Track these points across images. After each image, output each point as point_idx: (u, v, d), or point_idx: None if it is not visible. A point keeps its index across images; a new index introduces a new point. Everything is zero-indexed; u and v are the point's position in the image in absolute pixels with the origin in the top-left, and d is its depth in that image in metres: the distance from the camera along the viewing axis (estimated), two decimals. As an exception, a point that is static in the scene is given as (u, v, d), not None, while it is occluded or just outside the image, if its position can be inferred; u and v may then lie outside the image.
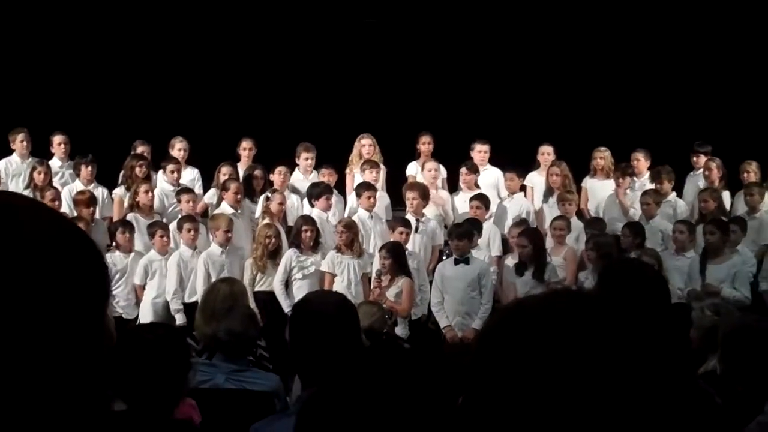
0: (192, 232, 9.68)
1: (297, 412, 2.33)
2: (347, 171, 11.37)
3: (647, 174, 11.08)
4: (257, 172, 10.93)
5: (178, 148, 11.44)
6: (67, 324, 1.07)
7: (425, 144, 11.43)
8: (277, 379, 5.68)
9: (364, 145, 11.29)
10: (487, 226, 10.21)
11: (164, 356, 3.52)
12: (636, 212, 10.61)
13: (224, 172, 10.87)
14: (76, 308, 1.08)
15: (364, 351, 2.24)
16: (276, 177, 10.89)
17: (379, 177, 10.93)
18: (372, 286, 9.08)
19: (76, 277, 1.09)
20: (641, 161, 11.20)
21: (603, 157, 11.25)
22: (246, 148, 11.54)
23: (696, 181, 11.34)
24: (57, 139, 11.35)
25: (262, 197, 10.50)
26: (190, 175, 11.38)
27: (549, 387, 1.10)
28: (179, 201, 10.41)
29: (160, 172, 11.12)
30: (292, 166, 11.27)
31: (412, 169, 11.40)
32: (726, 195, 10.74)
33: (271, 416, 4.10)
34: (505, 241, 10.31)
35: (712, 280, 9.24)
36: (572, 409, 1.10)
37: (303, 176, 11.21)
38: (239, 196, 10.35)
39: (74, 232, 1.14)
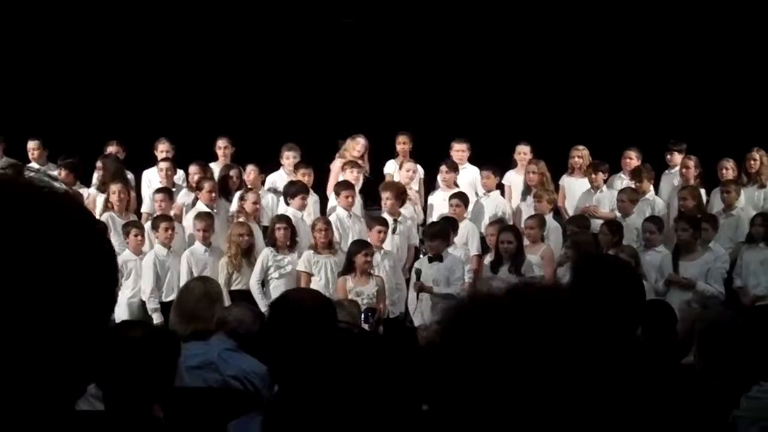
0: (169, 231, 9.67)
1: (265, 408, 2.32)
2: (332, 166, 11.31)
3: None
4: (233, 172, 10.93)
5: (160, 149, 11.41)
6: (72, 315, 1.05)
7: (403, 144, 11.43)
8: (265, 367, 5.69)
9: (359, 144, 11.27)
10: (465, 225, 10.22)
11: (154, 355, 3.50)
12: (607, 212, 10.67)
13: (192, 172, 10.86)
14: (84, 297, 1.06)
15: (338, 348, 2.22)
16: (247, 176, 10.90)
17: (359, 178, 10.92)
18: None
19: (85, 266, 1.06)
20: (633, 159, 11.24)
21: (581, 155, 11.29)
22: (222, 147, 11.51)
23: (671, 179, 11.41)
24: (30, 144, 11.49)
25: (236, 196, 10.48)
26: (178, 176, 11.33)
27: (513, 383, 1.08)
28: (155, 200, 10.40)
29: (153, 170, 11.12)
30: (275, 165, 11.29)
31: (390, 168, 11.41)
32: (702, 193, 10.80)
33: (247, 414, 4.09)
34: (483, 239, 10.34)
35: (685, 276, 9.31)
36: (540, 403, 1.08)
37: (287, 176, 11.17)
38: (214, 195, 10.33)
39: (83, 216, 1.11)
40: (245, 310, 5.65)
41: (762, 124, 12.19)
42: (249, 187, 10.71)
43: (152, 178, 11.21)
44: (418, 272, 8.97)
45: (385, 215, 10.12)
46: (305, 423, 2.05)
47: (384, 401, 2.08)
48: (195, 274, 9.17)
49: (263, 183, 11.20)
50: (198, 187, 10.45)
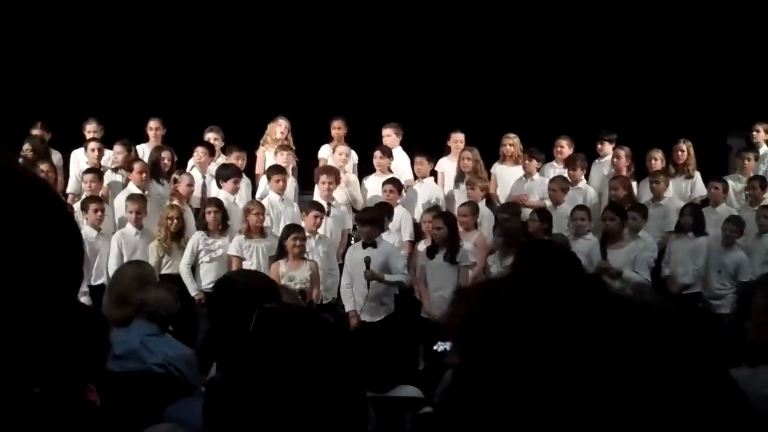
0: (98, 213, 9.51)
1: (207, 392, 2.28)
2: (258, 152, 11.24)
3: None
4: (165, 153, 10.76)
5: (89, 129, 11.20)
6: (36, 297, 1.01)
7: (338, 129, 11.38)
8: (191, 351, 5.66)
9: (280, 125, 11.19)
10: (398, 211, 10.23)
11: (84, 336, 3.43)
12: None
13: (118, 151, 10.69)
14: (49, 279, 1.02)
15: (283, 329, 2.19)
16: (196, 158, 10.79)
17: (290, 161, 10.85)
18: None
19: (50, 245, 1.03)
20: (564, 148, 11.34)
21: (512, 143, 11.36)
22: (153, 128, 11.34)
23: (601, 169, 11.54)
24: None
25: (172, 178, 10.36)
26: (105, 156, 11.13)
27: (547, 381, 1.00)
28: (84, 181, 10.20)
29: (81, 151, 10.91)
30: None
31: (324, 153, 11.35)
32: (633, 183, 10.94)
33: (185, 398, 4.04)
34: (416, 226, 10.36)
35: (613, 264, 9.44)
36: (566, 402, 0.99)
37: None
38: (144, 176, 10.18)
39: (50, 198, 1.07)
40: (163, 292, 5.61)
41: (688, 115, 12.44)
42: (182, 170, 10.57)
43: (80, 159, 11.01)
44: (368, 260, 8.95)
45: (319, 199, 10.07)
46: (248, 405, 2.02)
47: (329, 383, 2.05)
48: (125, 257, 9.09)
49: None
50: (129, 168, 10.27)
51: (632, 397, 0.97)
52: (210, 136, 11.16)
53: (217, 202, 9.67)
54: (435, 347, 7.19)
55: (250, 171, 11.12)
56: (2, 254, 0.98)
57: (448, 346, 6.86)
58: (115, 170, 10.60)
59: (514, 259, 3.88)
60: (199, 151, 10.83)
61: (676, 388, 0.98)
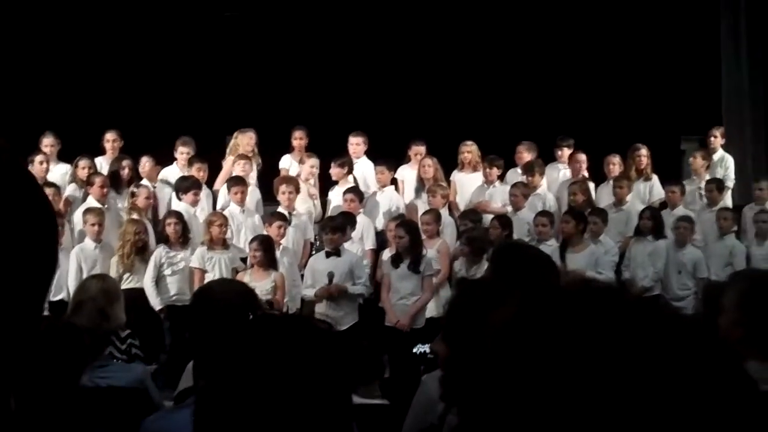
0: (59, 228, 9.37)
1: (195, 402, 2.26)
2: (224, 162, 11.15)
3: None
4: (124, 163, 10.65)
5: (45, 143, 11.02)
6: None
7: (299, 139, 11.35)
8: (142, 368, 5.60)
9: (251, 138, 11.14)
10: (361, 220, 10.23)
11: (60, 349, 3.39)
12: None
13: (83, 166, 10.56)
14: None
15: (265, 335, 2.17)
16: (142, 168, 10.71)
17: (250, 171, 10.81)
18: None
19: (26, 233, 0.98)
20: (523, 153, 11.40)
21: (470, 150, 11.40)
22: (110, 140, 11.22)
23: (559, 174, 11.63)
24: None
25: (129, 191, 10.25)
26: (62, 171, 10.97)
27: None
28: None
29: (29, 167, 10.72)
30: (168, 159, 11.06)
31: (286, 163, 11.33)
32: (591, 187, 11.04)
33: (164, 409, 4.00)
34: (378, 234, 10.36)
35: (572, 268, 9.50)
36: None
37: (180, 170, 10.95)
38: (105, 190, 10.07)
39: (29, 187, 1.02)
40: (79, 318, 5.46)
41: (643, 120, 12.60)
42: (140, 181, 10.49)
43: (37, 173, 10.84)
44: (331, 276, 8.96)
45: (281, 210, 10.04)
46: (239, 412, 2.00)
47: (315, 388, 2.04)
48: (85, 272, 8.98)
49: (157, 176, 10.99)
50: (89, 182, 10.15)
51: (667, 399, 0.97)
52: (183, 150, 11.02)
53: (178, 215, 9.61)
54: (414, 350, 7.21)
55: (210, 182, 11.03)
56: None
57: (427, 348, 6.89)
58: (81, 184, 10.40)
59: (490, 264, 3.88)
60: (146, 163, 10.75)
61: (705, 387, 0.99)
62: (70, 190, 10.55)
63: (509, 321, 1.06)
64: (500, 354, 1.04)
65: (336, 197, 10.84)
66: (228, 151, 11.20)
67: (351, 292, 9.12)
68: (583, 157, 11.32)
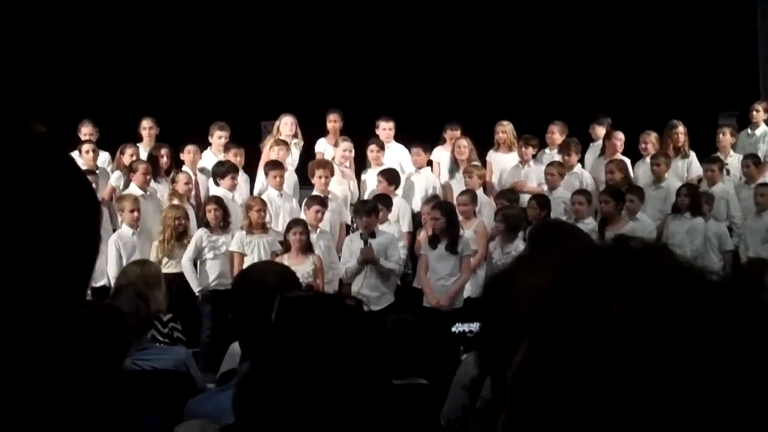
0: (101, 215, 9.47)
1: (236, 384, 2.29)
2: (264, 147, 11.20)
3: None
4: (163, 151, 10.73)
5: (84, 132, 11.14)
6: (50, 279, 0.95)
7: (334, 122, 11.38)
8: (185, 351, 5.67)
9: (286, 124, 11.19)
10: (397, 202, 10.26)
11: (104, 332, 3.44)
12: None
13: (130, 153, 10.65)
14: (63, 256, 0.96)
15: (309, 318, 2.20)
16: (186, 156, 10.76)
17: (287, 156, 10.86)
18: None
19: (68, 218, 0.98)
20: (555, 134, 11.36)
21: (505, 130, 11.38)
22: (147, 128, 11.31)
23: (595, 153, 11.58)
24: None
25: (169, 178, 10.35)
26: (101, 158, 11.09)
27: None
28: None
29: (75, 153, 10.85)
30: (204, 144, 11.14)
31: (321, 146, 11.37)
32: (628, 165, 10.97)
33: (209, 391, 4.05)
34: (415, 216, 10.38)
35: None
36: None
37: (215, 156, 11.02)
38: (148, 177, 10.15)
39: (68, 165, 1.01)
40: (119, 302, 5.51)
41: (679, 96, 12.48)
42: (181, 169, 10.56)
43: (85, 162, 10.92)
44: (366, 241, 9.04)
45: (317, 193, 10.09)
46: (279, 395, 2.03)
47: (356, 369, 2.07)
48: (125, 258, 9.08)
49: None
50: (132, 169, 10.22)
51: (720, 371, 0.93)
52: (221, 134, 11.10)
53: (218, 200, 9.68)
54: (453, 329, 7.23)
55: (249, 167, 11.09)
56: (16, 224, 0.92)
57: (467, 327, 6.90)
58: (126, 171, 10.48)
59: (528, 242, 3.90)
60: (191, 150, 10.83)
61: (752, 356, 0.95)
62: (114, 177, 10.65)
63: (546, 288, 1.02)
64: (538, 322, 1.01)
65: (371, 180, 10.87)
66: (269, 135, 11.24)
67: (385, 266, 9.15)
68: (621, 135, 11.24)
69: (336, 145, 11.12)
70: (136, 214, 9.50)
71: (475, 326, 6.85)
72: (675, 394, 0.94)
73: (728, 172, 11.00)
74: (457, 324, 7.27)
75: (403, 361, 4.66)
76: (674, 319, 0.96)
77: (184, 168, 10.66)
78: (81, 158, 10.74)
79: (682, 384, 0.94)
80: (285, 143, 10.91)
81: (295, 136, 11.18)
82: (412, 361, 4.78)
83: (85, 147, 10.75)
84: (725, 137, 11.31)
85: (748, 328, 0.96)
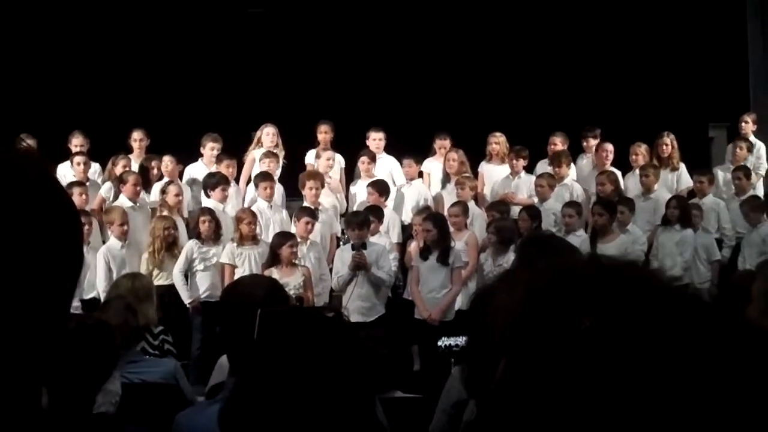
0: (86, 227, 9.44)
1: (222, 400, 2.28)
2: (246, 159, 11.21)
3: None
4: (153, 163, 10.72)
5: (74, 143, 11.13)
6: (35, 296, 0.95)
7: (324, 133, 11.38)
8: (174, 363, 5.67)
9: (268, 134, 11.18)
10: (387, 213, 10.25)
11: (91, 346, 3.43)
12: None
13: (123, 165, 10.65)
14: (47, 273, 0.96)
15: (288, 333, 2.20)
16: (165, 168, 10.75)
17: (277, 167, 10.86)
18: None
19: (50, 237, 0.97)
20: (558, 145, 11.37)
21: (498, 142, 11.39)
22: (137, 139, 11.30)
23: (585, 164, 11.59)
24: None
25: (158, 189, 10.32)
26: (91, 169, 11.07)
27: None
28: (71, 195, 10.13)
29: (67, 164, 10.84)
30: (195, 155, 11.13)
31: (311, 158, 11.35)
32: (619, 176, 10.99)
33: (197, 404, 4.04)
34: (405, 228, 10.38)
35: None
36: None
37: (207, 167, 11.02)
38: (138, 188, 10.13)
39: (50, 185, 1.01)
40: (106, 315, 5.52)
41: (669, 108, 12.52)
42: (168, 179, 10.54)
43: (66, 173, 10.92)
44: (358, 246, 9.02)
45: (307, 205, 10.08)
46: (262, 410, 2.02)
47: (338, 382, 2.06)
48: (114, 271, 9.06)
49: (181, 174, 11.04)
50: (122, 180, 10.21)
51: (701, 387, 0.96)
52: (213, 146, 11.08)
53: (210, 212, 9.67)
54: (439, 343, 7.21)
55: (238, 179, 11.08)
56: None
57: (453, 341, 6.88)
58: (117, 182, 10.46)
59: (518, 255, 3.89)
60: (167, 161, 10.82)
61: (734, 374, 0.98)
62: (105, 188, 10.63)
63: (518, 305, 1.04)
64: (511, 339, 1.03)
65: (360, 191, 10.87)
66: (251, 146, 11.23)
67: (376, 275, 9.13)
68: (610, 146, 11.27)
69: (317, 156, 11.10)
70: (125, 227, 9.47)
71: (461, 340, 6.83)
72: (643, 400, 0.96)
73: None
74: (443, 338, 7.25)
75: (380, 375, 4.67)
76: (641, 330, 0.98)
77: (165, 179, 10.63)
78: (72, 169, 10.74)
79: (650, 391, 0.96)
80: (275, 155, 10.90)
81: (276, 146, 11.15)
82: (389, 374, 4.79)
83: (77, 159, 10.76)
84: (742, 152, 11.33)
85: (712, 339, 0.98)
